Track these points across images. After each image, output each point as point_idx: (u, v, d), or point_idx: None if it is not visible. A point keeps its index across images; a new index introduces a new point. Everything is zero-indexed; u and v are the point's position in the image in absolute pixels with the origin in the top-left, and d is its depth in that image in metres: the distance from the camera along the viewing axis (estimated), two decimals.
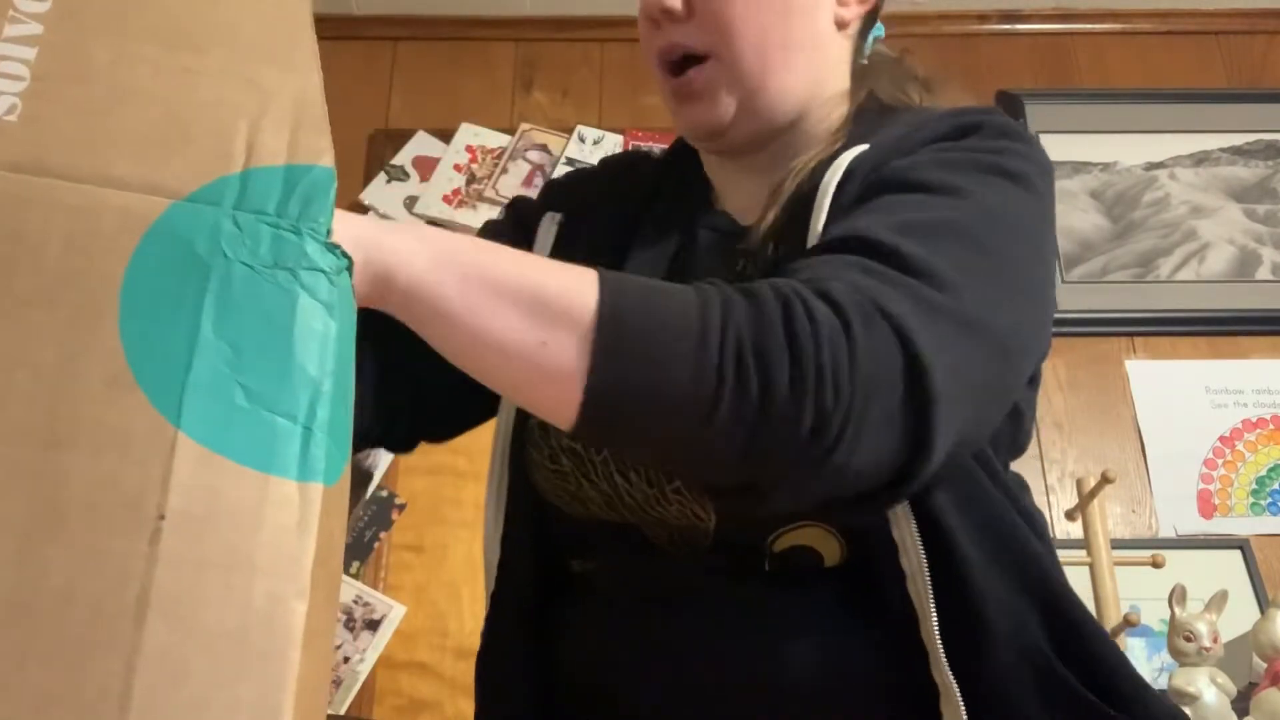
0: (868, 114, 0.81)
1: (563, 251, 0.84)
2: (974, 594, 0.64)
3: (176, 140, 0.42)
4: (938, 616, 0.63)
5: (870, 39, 0.88)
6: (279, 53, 0.45)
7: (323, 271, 0.41)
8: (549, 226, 0.86)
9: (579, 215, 0.86)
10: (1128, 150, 2.40)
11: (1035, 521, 0.72)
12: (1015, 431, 0.75)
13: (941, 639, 0.63)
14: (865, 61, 0.86)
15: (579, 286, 0.56)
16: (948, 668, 0.63)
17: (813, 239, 0.69)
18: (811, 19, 0.81)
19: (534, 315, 0.55)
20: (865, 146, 0.73)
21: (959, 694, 0.62)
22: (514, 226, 0.91)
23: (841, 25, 0.83)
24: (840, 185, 0.71)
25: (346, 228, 0.49)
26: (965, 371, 0.59)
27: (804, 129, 0.81)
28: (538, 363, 0.55)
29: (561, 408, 0.56)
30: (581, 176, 0.97)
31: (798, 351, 0.55)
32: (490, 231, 0.94)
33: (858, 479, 0.58)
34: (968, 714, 0.63)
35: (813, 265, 0.61)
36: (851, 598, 0.67)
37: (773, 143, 0.81)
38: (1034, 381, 0.75)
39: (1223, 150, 2.40)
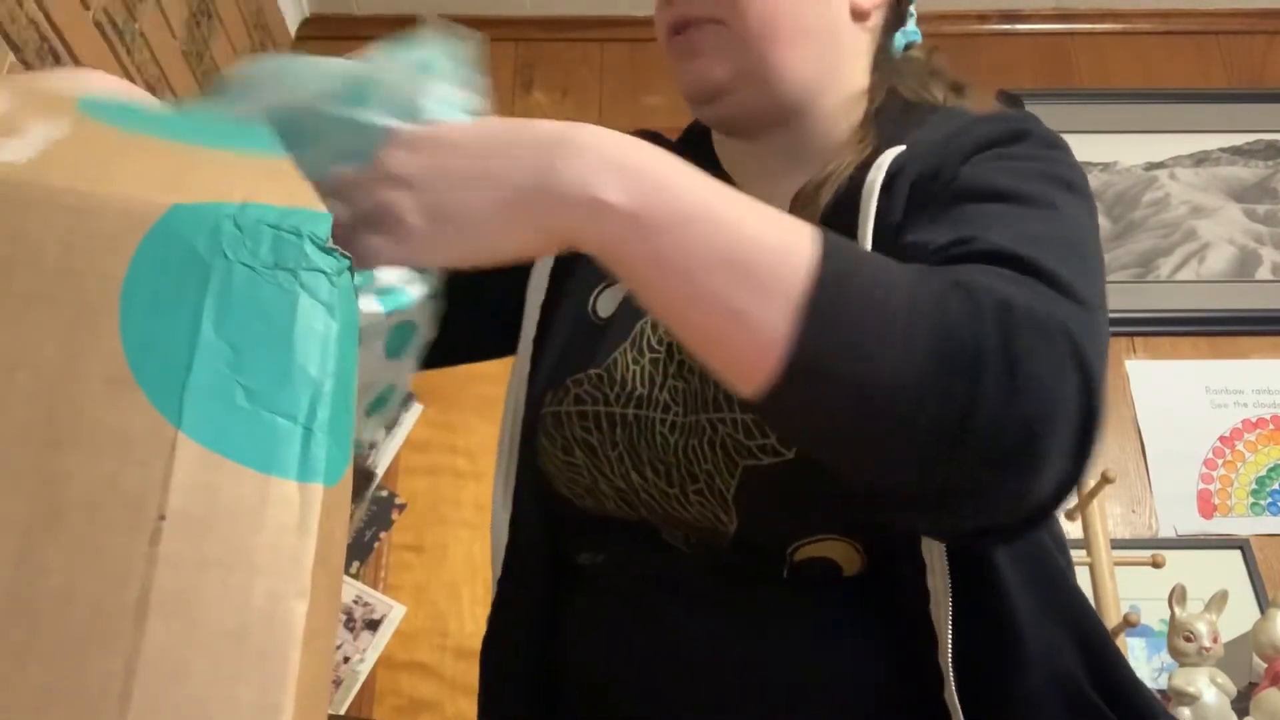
0: (890, 112, 0.79)
1: None
2: (1006, 616, 0.62)
3: (174, 187, 0.42)
4: (962, 639, 0.62)
5: (901, 41, 0.86)
6: (271, 171, 0.47)
7: (323, 272, 0.41)
8: None
9: None
10: (1128, 150, 2.40)
11: (1061, 543, 0.71)
12: None
13: (959, 664, 0.61)
14: (892, 63, 0.84)
15: (795, 244, 0.52)
16: (956, 695, 0.61)
17: (863, 245, 0.67)
18: (826, 3, 0.79)
19: (741, 272, 0.51)
20: (902, 148, 0.71)
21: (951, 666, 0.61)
22: None
23: (859, 16, 0.82)
24: (884, 188, 0.69)
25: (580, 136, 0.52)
26: (1104, 392, 0.57)
27: (817, 119, 0.80)
28: (737, 321, 0.51)
29: (751, 372, 0.52)
30: None
31: (1015, 365, 0.51)
32: None
33: (1038, 498, 0.54)
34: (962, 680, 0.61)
35: (970, 272, 0.56)
36: (868, 609, 0.67)
37: (781, 129, 0.80)
38: None
39: (1223, 150, 2.40)
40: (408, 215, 0.53)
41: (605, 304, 0.81)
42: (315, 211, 0.42)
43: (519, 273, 0.85)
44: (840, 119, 0.80)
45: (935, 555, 0.64)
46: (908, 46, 0.87)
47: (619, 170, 0.52)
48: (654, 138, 0.89)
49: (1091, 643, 0.66)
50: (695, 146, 0.87)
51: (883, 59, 0.84)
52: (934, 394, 0.50)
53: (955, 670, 0.62)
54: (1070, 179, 0.68)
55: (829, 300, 0.51)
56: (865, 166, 0.72)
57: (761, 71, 0.77)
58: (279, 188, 0.44)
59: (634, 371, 0.75)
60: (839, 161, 0.76)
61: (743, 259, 0.51)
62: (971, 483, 0.52)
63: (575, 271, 0.83)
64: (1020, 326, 0.51)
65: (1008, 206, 0.63)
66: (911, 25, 0.87)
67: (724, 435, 0.69)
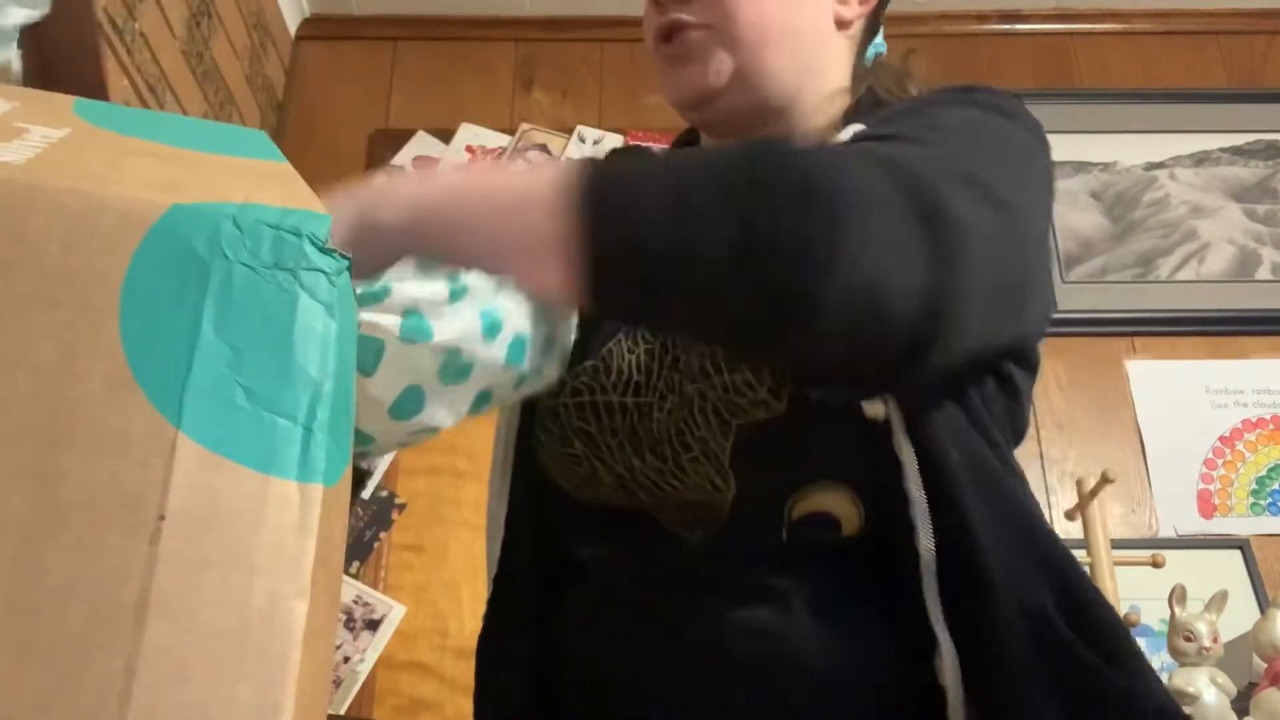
0: (865, 106, 0.83)
1: None
2: (978, 551, 0.64)
3: (174, 188, 0.42)
4: (939, 574, 0.64)
5: (871, 52, 0.90)
6: (269, 175, 0.47)
7: (323, 272, 0.41)
8: None
9: None
10: (1128, 150, 2.40)
11: (1021, 479, 0.73)
12: (1014, 416, 0.75)
13: (942, 592, 0.63)
14: (866, 71, 0.88)
15: (540, 177, 0.58)
16: (943, 620, 0.63)
17: None
18: (811, 10, 0.83)
19: (511, 218, 0.57)
20: (860, 126, 0.74)
21: (952, 647, 0.63)
22: None
23: (842, 24, 0.85)
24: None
25: (336, 203, 0.53)
26: (981, 226, 0.59)
27: (796, 119, 0.83)
28: (523, 246, 0.56)
29: (568, 285, 0.56)
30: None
31: (806, 179, 0.55)
32: None
33: (883, 308, 0.56)
34: (964, 671, 0.63)
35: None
36: (862, 577, 0.68)
37: (763, 127, 0.82)
38: (1032, 367, 0.76)
39: (1223, 150, 2.40)
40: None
41: None
42: (315, 212, 0.42)
43: None
44: (819, 116, 0.83)
45: (913, 485, 0.65)
46: (876, 57, 0.92)
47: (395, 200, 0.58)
48: (636, 150, 0.95)
49: (1069, 588, 0.67)
50: (681, 148, 0.90)
51: (859, 67, 0.88)
52: (714, 266, 0.54)
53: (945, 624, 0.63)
54: (1003, 106, 0.72)
55: (593, 196, 0.55)
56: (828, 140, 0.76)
57: (750, 75, 0.80)
58: (279, 190, 0.44)
59: (629, 360, 0.77)
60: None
61: (504, 205, 0.57)
62: (802, 303, 0.55)
63: None
64: (777, 175, 0.56)
65: (908, 117, 0.68)
66: (879, 38, 0.92)
67: (714, 401, 0.71)
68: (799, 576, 0.68)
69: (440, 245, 0.56)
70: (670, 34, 0.81)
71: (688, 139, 0.92)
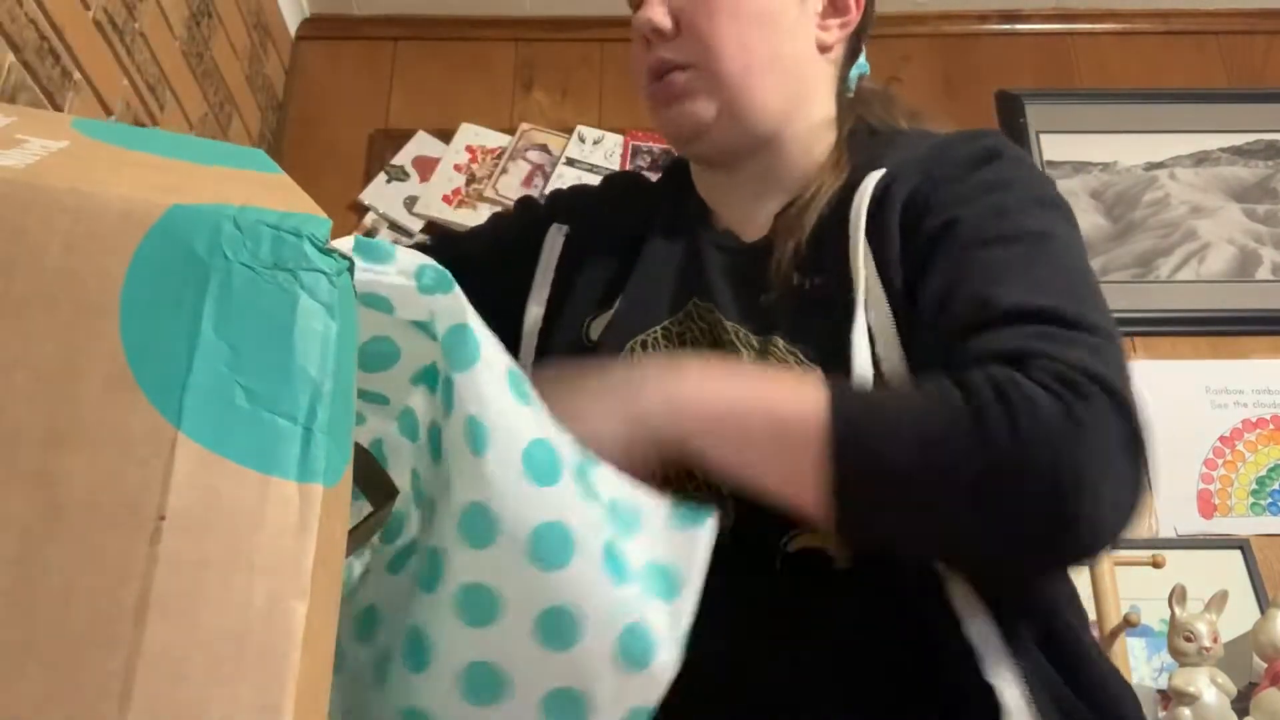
0: (860, 137, 0.84)
1: (568, 262, 0.89)
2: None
3: (174, 191, 0.42)
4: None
5: (855, 73, 0.93)
6: (267, 185, 0.47)
7: (323, 273, 0.41)
8: (555, 237, 0.91)
9: (584, 230, 0.91)
10: (1128, 150, 2.40)
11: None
12: None
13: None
14: (851, 94, 0.91)
15: (809, 408, 0.62)
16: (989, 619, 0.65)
17: (856, 273, 0.73)
18: (793, 38, 0.85)
19: (780, 449, 0.63)
20: (882, 171, 0.76)
21: (1003, 648, 0.65)
22: (521, 227, 0.94)
23: (823, 49, 0.88)
24: (871, 213, 0.74)
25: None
26: (1138, 404, 0.64)
27: (788, 146, 0.85)
28: (790, 483, 0.63)
29: (818, 512, 0.62)
30: (586, 191, 1.01)
31: (1021, 436, 0.59)
32: (497, 225, 0.98)
33: (1100, 535, 0.61)
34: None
35: (995, 339, 0.65)
36: (862, 601, 0.68)
37: (755, 157, 0.85)
38: None
39: (1223, 150, 2.40)
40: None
41: (596, 328, 0.85)
42: (315, 215, 0.42)
43: (516, 301, 0.88)
44: (811, 144, 0.85)
45: None
46: (859, 79, 0.94)
47: (678, 412, 0.65)
48: (633, 178, 0.99)
49: (1047, 625, 0.69)
50: (676, 177, 0.93)
51: (843, 90, 0.90)
52: (960, 503, 0.60)
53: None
54: (1050, 196, 0.76)
55: (851, 451, 0.61)
56: (849, 188, 0.77)
57: (738, 110, 0.82)
58: (279, 197, 0.44)
59: None
60: (819, 183, 0.81)
61: (776, 437, 0.63)
62: (1045, 553, 0.62)
63: (571, 298, 0.87)
64: (1030, 401, 0.59)
65: (1009, 250, 0.71)
66: (862, 59, 0.94)
67: None
68: (795, 586, 0.69)
69: (708, 454, 0.64)
70: (659, 72, 0.83)
71: (674, 169, 0.95)
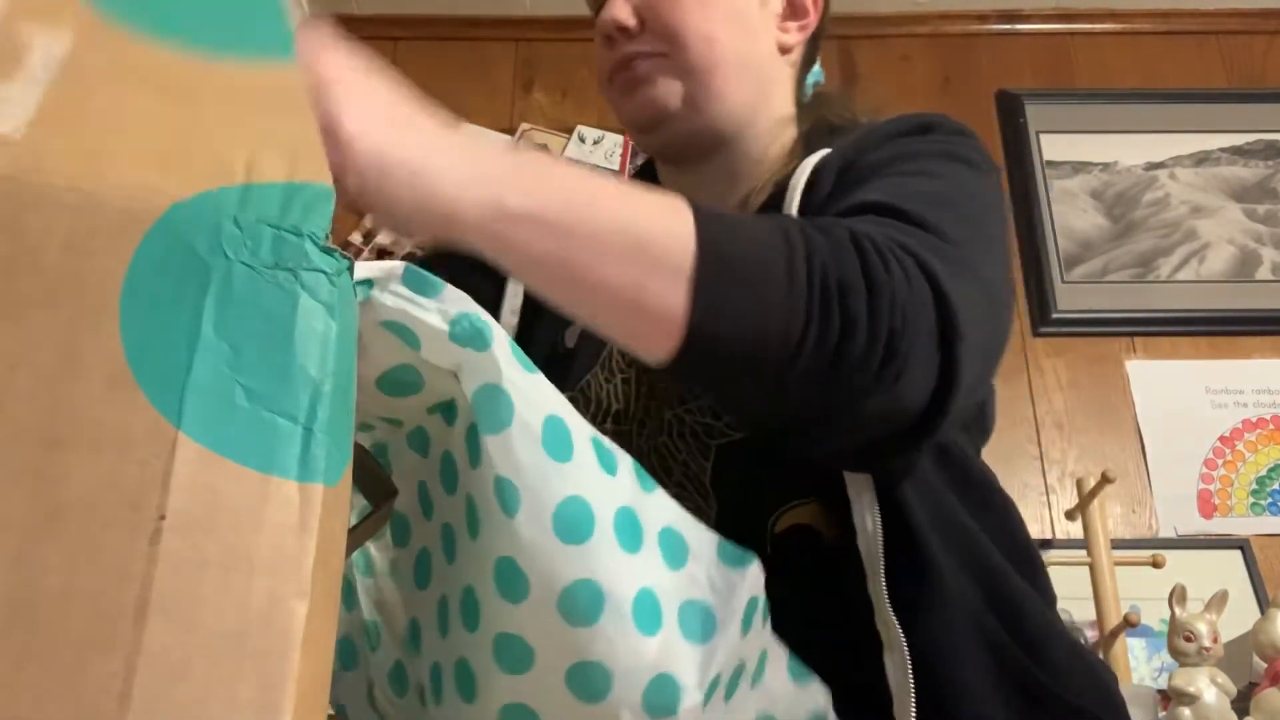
0: (819, 133, 0.86)
1: None
2: (924, 556, 0.67)
3: (176, 159, 0.42)
4: (886, 576, 0.66)
5: (811, 80, 0.95)
6: (275, 104, 0.46)
7: (323, 272, 0.41)
8: None
9: None
10: (1128, 150, 2.40)
11: (978, 482, 0.76)
12: (981, 414, 0.79)
13: (894, 596, 0.65)
14: (807, 101, 0.93)
15: (676, 226, 0.56)
16: (895, 621, 0.65)
17: None
18: (755, 36, 0.87)
19: (634, 259, 0.54)
20: (826, 151, 0.77)
21: (904, 642, 0.64)
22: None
23: (784, 50, 0.89)
24: (808, 186, 0.75)
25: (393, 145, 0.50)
26: (975, 314, 0.61)
27: (749, 144, 0.86)
28: (638, 305, 0.55)
29: (656, 346, 0.56)
30: None
31: (874, 287, 0.57)
32: (465, 260, 0.94)
33: (907, 412, 0.60)
34: (916, 673, 0.64)
35: (842, 221, 0.62)
36: (830, 583, 0.69)
37: (718, 154, 0.86)
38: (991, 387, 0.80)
39: (1223, 150, 2.40)
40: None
41: (572, 334, 0.86)
42: (317, 210, 0.42)
43: (489, 311, 0.88)
44: (770, 143, 0.87)
45: (865, 494, 0.67)
46: (814, 86, 0.96)
47: (514, 175, 0.54)
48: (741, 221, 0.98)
49: (994, 585, 0.69)
50: (640, 179, 0.93)
51: (799, 95, 0.92)
52: (811, 331, 0.56)
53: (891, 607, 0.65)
54: (968, 157, 0.74)
55: (713, 271, 0.55)
56: (794, 173, 0.78)
57: (701, 99, 0.84)
58: (284, 142, 0.43)
59: (608, 390, 0.79)
60: (767, 174, 0.83)
61: (634, 245, 0.55)
62: (847, 400, 0.58)
63: (544, 306, 0.86)
64: (869, 255, 0.58)
65: (897, 179, 0.70)
66: (817, 66, 0.97)
67: (691, 424, 0.73)
68: (778, 584, 0.69)
69: (558, 265, 0.54)
70: (624, 64, 0.85)
71: (640, 173, 0.95)
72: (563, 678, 0.51)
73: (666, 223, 0.56)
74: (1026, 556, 0.74)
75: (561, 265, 0.54)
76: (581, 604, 0.50)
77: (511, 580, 0.51)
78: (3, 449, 0.37)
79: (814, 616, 0.65)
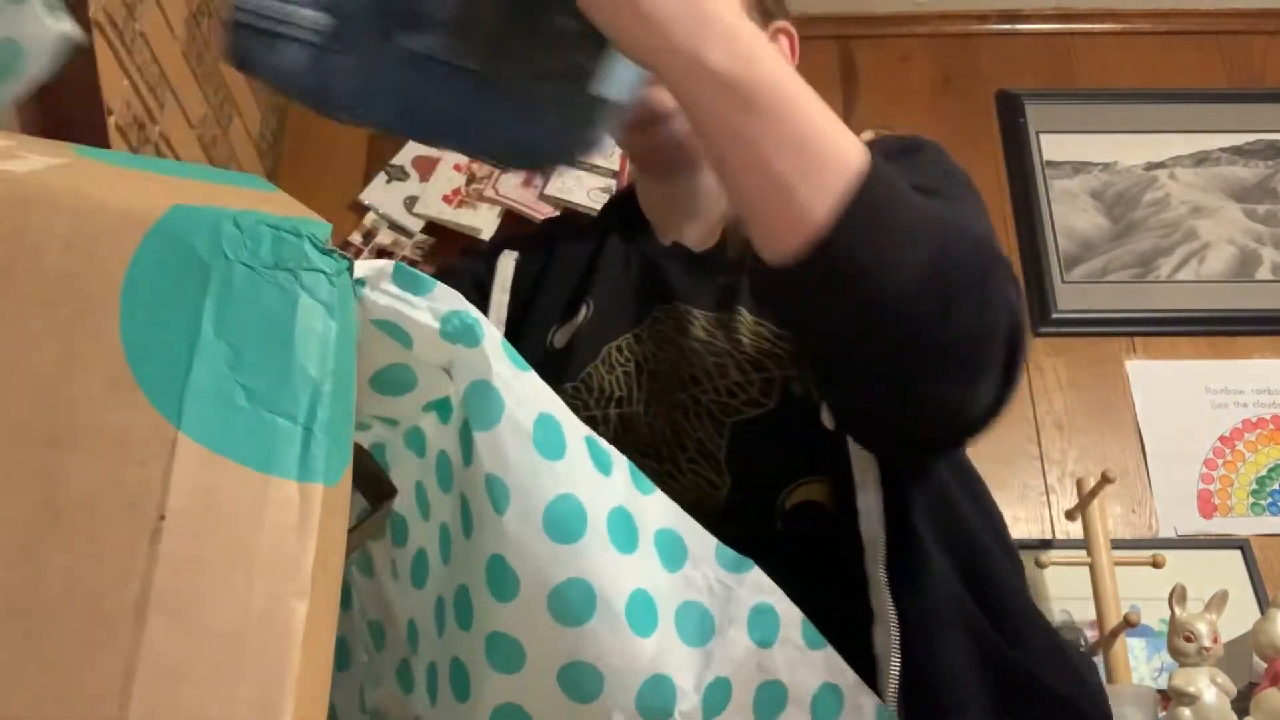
0: None
1: (523, 283, 0.92)
2: (917, 539, 0.70)
3: (175, 195, 0.42)
4: (888, 554, 0.69)
5: None
6: (272, 198, 0.46)
7: (323, 272, 0.41)
8: (506, 262, 0.94)
9: (534, 256, 0.94)
10: (1128, 150, 2.40)
11: (963, 472, 0.80)
12: None
13: (890, 572, 0.68)
14: None
15: (850, 153, 0.60)
16: (888, 593, 0.67)
17: None
18: None
19: (800, 163, 0.59)
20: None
21: (894, 618, 0.67)
22: (470, 260, 0.98)
23: None
24: None
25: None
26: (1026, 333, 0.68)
27: None
28: (786, 199, 0.59)
29: (782, 241, 0.59)
30: (529, 230, 1.10)
31: (994, 291, 0.62)
32: (449, 274, 0.99)
33: (975, 410, 0.65)
34: (904, 647, 0.67)
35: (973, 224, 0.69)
36: (827, 557, 0.71)
37: (696, 171, 0.88)
38: None
39: (1223, 150, 2.40)
40: None
41: (561, 338, 0.87)
42: (314, 219, 0.42)
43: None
44: None
45: (870, 479, 0.70)
46: None
47: (729, 39, 0.59)
48: (572, 215, 1.03)
49: (978, 569, 0.73)
50: (617, 210, 0.98)
51: None
52: (926, 304, 0.59)
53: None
54: (966, 179, 0.81)
55: (866, 205, 0.58)
56: None
57: None
58: (279, 207, 0.44)
59: (609, 380, 0.81)
60: None
61: (806, 147, 0.59)
62: (930, 387, 0.62)
63: (530, 314, 0.91)
64: (993, 266, 0.63)
65: (938, 200, 0.73)
66: None
67: (707, 404, 0.75)
68: (783, 557, 0.70)
69: (730, 134, 0.59)
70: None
71: (618, 200, 0.99)
72: (554, 678, 0.51)
73: (843, 142, 0.60)
74: (1006, 543, 0.78)
75: (732, 137, 0.60)
76: (572, 604, 0.50)
77: (502, 579, 0.51)
78: (3, 449, 0.37)
79: (812, 587, 0.66)
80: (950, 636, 0.68)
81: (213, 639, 0.36)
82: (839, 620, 0.66)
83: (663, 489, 0.74)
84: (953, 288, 0.59)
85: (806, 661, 0.59)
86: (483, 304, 0.91)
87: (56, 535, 0.36)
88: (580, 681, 0.51)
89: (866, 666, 0.65)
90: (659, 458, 0.75)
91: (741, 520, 0.72)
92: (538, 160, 0.68)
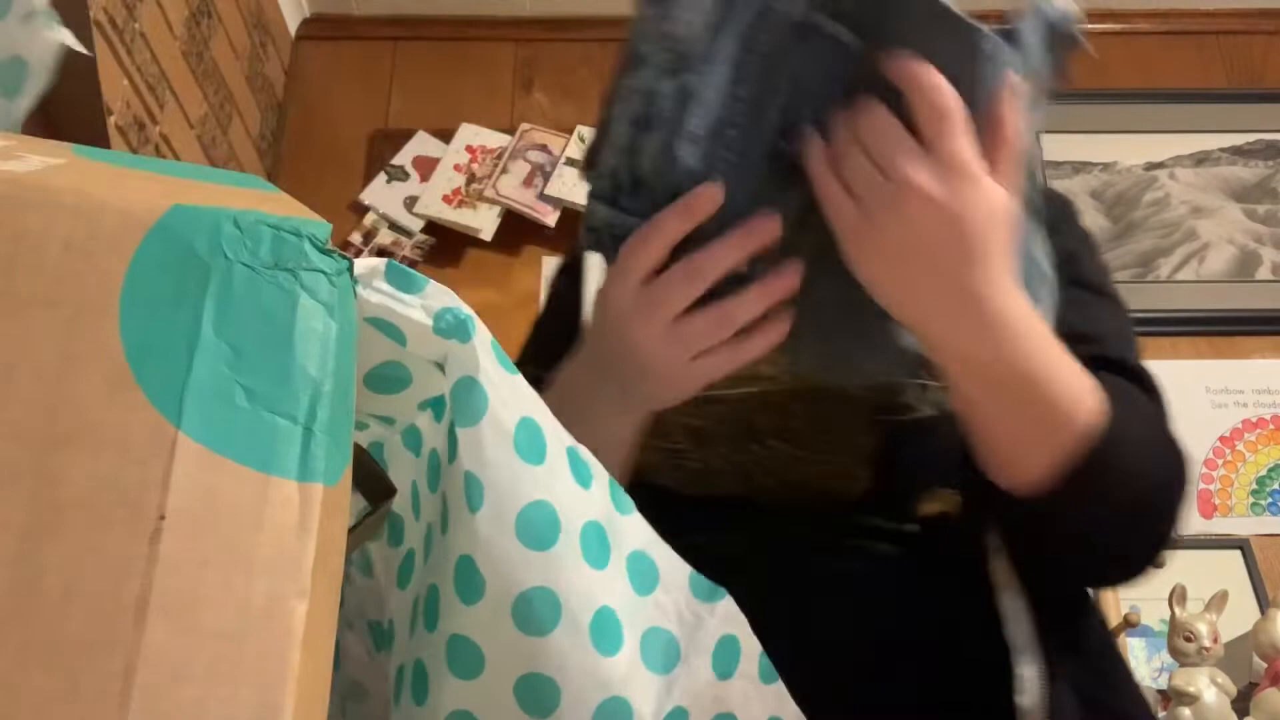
0: None
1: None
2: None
3: (175, 195, 0.42)
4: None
5: None
6: (273, 197, 0.46)
7: (323, 272, 0.41)
8: (592, 263, 0.90)
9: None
10: (1128, 150, 2.40)
11: None
12: None
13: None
14: None
15: (1081, 414, 0.66)
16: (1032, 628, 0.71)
17: None
18: None
19: (1041, 425, 0.66)
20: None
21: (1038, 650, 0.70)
22: (569, 283, 0.94)
23: None
24: None
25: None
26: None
27: None
28: (1022, 453, 0.67)
29: (1008, 479, 0.68)
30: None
31: (1185, 472, 0.76)
32: (559, 299, 0.97)
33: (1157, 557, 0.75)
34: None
35: (1155, 420, 0.78)
36: (949, 553, 0.74)
37: None
38: None
39: (1223, 150, 2.40)
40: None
41: None
42: (314, 219, 0.42)
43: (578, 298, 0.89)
44: None
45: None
46: None
47: (995, 331, 0.64)
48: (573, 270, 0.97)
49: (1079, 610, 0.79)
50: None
51: None
52: (1140, 528, 0.72)
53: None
54: (1106, 262, 0.89)
55: (1091, 471, 0.65)
56: None
57: None
58: (279, 207, 0.44)
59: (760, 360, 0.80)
60: None
61: (1044, 420, 0.66)
62: (1120, 569, 0.76)
63: None
64: (1183, 471, 0.75)
65: (1103, 302, 0.83)
66: None
67: (864, 399, 0.76)
68: (904, 547, 0.74)
69: (972, 402, 0.67)
70: None
71: None
72: (511, 688, 0.50)
73: (1078, 393, 0.67)
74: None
75: (978, 407, 0.67)
76: (536, 612, 0.49)
77: (469, 580, 0.50)
78: (3, 449, 0.37)
79: (927, 589, 0.72)
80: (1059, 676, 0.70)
81: (213, 639, 0.36)
82: (949, 625, 0.71)
83: (791, 475, 0.75)
84: (1159, 511, 0.72)
85: (759, 695, 0.58)
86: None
87: (56, 535, 0.36)
88: (537, 694, 0.50)
89: (970, 676, 0.68)
90: (799, 444, 0.76)
91: (874, 513, 0.74)
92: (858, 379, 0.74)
